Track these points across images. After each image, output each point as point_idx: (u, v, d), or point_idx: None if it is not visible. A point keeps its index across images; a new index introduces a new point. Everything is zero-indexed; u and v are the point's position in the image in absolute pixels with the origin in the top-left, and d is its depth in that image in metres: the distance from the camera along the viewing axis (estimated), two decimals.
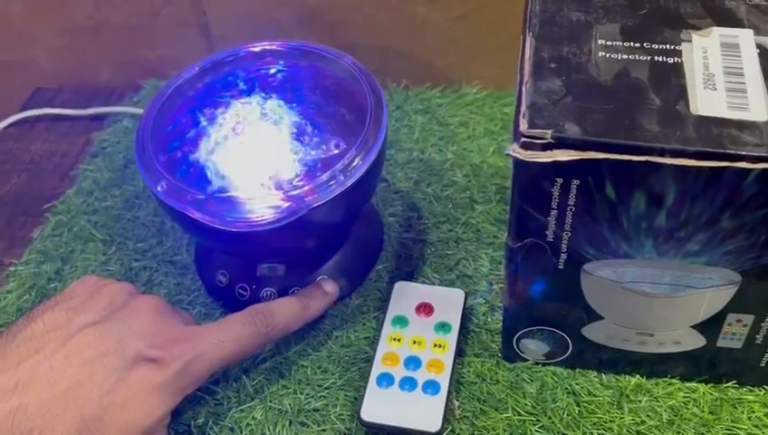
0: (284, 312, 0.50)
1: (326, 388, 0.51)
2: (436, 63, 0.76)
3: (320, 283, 0.54)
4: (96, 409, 0.40)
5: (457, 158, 0.68)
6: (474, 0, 0.71)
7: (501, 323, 0.53)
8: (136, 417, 0.41)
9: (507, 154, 0.39)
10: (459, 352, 0.52)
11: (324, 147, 0.51)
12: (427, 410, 0.48)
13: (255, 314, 0.48)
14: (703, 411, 0.49)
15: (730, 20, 0.44)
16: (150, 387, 0.42)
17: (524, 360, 0.52)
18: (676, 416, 0.48)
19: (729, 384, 0.50)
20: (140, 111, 0.75)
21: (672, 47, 0.42)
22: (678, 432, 0.48)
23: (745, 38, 0.42)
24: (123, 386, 0.41)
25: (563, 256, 0.43)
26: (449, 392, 0.49)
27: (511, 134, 0.70)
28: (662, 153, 0.37)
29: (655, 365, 0.49)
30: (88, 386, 0.41)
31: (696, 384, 0.50)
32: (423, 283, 0.57)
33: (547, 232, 0.42)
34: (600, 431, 0.48)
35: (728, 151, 0.36)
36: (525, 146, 0.38)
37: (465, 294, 0.54)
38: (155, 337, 0.43)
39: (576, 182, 0.39)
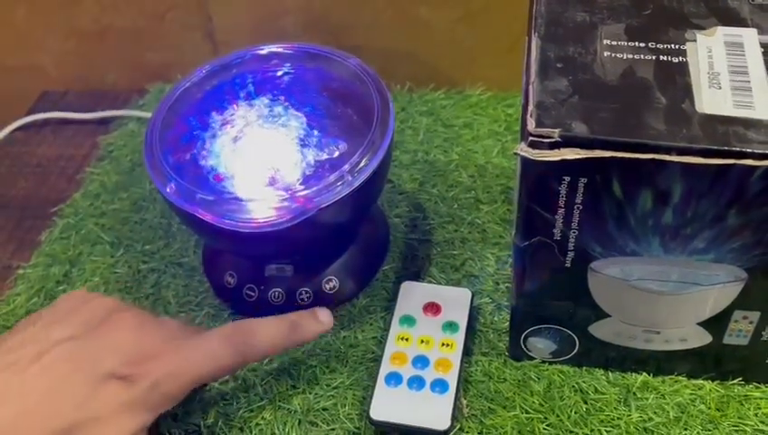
0: (268, 332, 0.47)
1: (335, 387, 0.52)
2: (439, 65, 0.76)
3: (314, 310, 0.49)
4: (64, 424, 0.40)
5: (462, 158, 0.68)
6: (477, 2, 0.71)
7: (508, 322, 0.53)
8: (105, 434, 0.41)
9: (515, 153, 0.40)
10: (467, 351, 0.52)
11: (331, 148, 0.51)
12: (436, 409, 0.48)
13: (235, 332, 0.46)
14: (709, 408, 0.49)
15: (734, 19, 0.44)
16: (119, 404, 0.41)
17: (531, 358, 0.52)
18: (682, 413, 0.49)
19: (735, 381, 0.50)
20: (146, 114, 0.76)
21: (677, 47, 0.43)
22: (685, 429, 0.48)
23: (749, 37, 0.43)
24: (93, 403, 0.41)
25: (570, 255, 0.43)
26: (457, 391, 0.49)
27: (515, 135, 0.70)
28: (669, 151, 0.37)
29: (661, 362, 0.50)
30: (58, 401, 0.40)
31: (702, 381, 0.50)
32: (429, 283, 0.58)
33: (554, 230, 0.42)
34: (607, 429, 0.48)
35: (734, 149, 0.37)
36: (533, 145, 0.39)
37: (472, 293, 0.55)
38: (129, 354, 0.43)
39: (583, 180, 0.39)
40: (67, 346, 0.42)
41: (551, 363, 0.52)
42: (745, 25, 0.44)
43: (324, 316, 0.49)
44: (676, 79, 0.41)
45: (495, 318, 0.55)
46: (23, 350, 0.42)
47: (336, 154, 0.51)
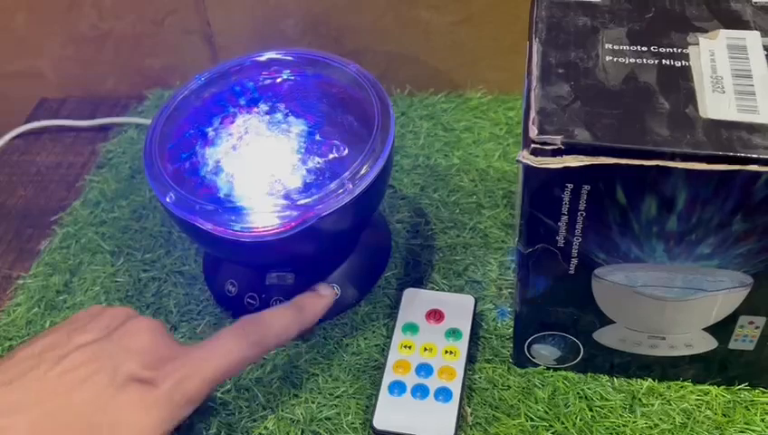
0: (277, 320, 0.48)
1: (337, 396, 0.51)
2: (440, 68, 0.76)
3: (314, 287, 0.52)
4: (86, 428, 0.40)
5: (463, 163, 0.68)
6: (477, 4, 0.71)
7: (512, 329, 0.53)
8: None
9: (517, 161, 0.39)
10: (470, 359, 0.52)
11: (332, 156, 0.51)
12: (440, 418, 0.48)
13: (245, 325, 0.47)
14: (716, 414, 0.48)
15: (736, 22, 0.44)
16: (141, 407, 0.41)
17: (536, 365, 0.52)
18: (688, 419, 0.48)
19: (741, 386, 0.49)
20: (145, 121, 0.75)
21: (679, 50, 0.42)
22: None
23: (753, 40, 0.42)
24: (114, 406, 0.41)
25: (574, 262, 0.43)
26: (461, 399, 0.49)
27: (517, 138, 0.70)
28: (672, 157, 0.37)
29: (667, 368, 0.49)
30: (78, 405, 0.40)
31: (708, 387, 0.50)
32: (432, 289, 0.57)
33: (558, 237, 0.42)
34: None
35: (739, 154, 0.36)
36: (535, 152, 0.38)
37: (475, 299, 0.54)
38: (148, 357, 0.43)
39: (587, 187, 0.39)
40: (86, 350, 0.42)
41: (555, 370, 0.51)
42: (748, 28, 0.43)
43: (325, 290, 0.52)
44: (680, 83, 0.40)
45: (499, 324, 0.55)
46: (43, 355, 0.42)
47: (337, 162, 0.50)
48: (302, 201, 0.47)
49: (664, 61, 0.42)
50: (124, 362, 0.42)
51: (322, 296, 0.52)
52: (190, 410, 0.43)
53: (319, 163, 0.51)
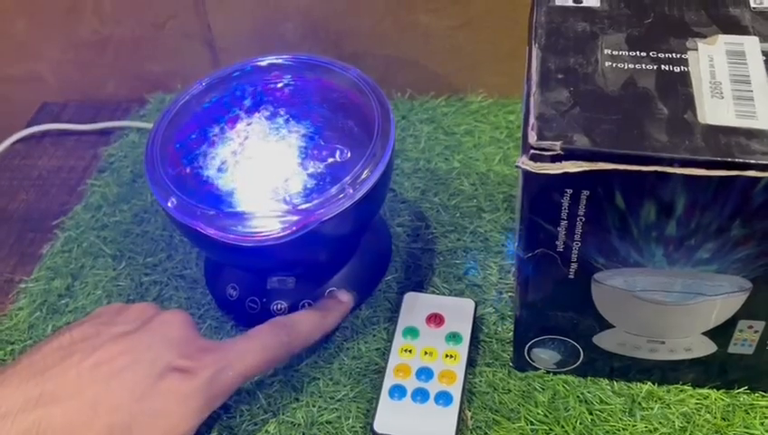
0: (305, 323, 0.51)
1: (338, 400, 0.52)
2: (440, 72, 0.76)
3: (334, 293, 0.55)
4: (125, 417, 0.40)
5: (464, 166, 0.68)
6: (476, 8, 0.71)
7: (512, 333, 0.53)
8: (165, 427, 0.41)
9: (517, 166, 0.39)
10: (471, 363, 0.52)
11: (332, 160, 0.51)
12: (440, 422, 0.48)
13: (278, 325, 0.49)
14: (715, 417, 0.49)
15: (735, 27, 0.44)
16: (180, 397, 0.42)
17: (536, 369, 0.52)
18: (688, 423, 0.49)
19: (741, 390, 0.50)
20: (146, 125, 0.76)
21: (678, 56, 0.42)
22: None
23: (751, 45, 0.43)
24: (153, 395, 0.41)
25: (574, 266, 0.43)
26: (461, 403, 0.49)
27: (517, 142, 0.70)
28: (671, 163, 0.37)
29: (666, 372, 0.49)
30: (117, 394, 0.40)
31: (707, 390, 0.50)
32: (432, 293, 0.58)
33: (557, 242, 0.42)
34: None
35: (737, 160, 0.36)
36: (534, 158, 0.38)
37: (476, 303, 0.54)
38: (185, 347, 0.44)
39: (586, 193, 0.39)
40: (122, 340, 0.43)
41: (555, 374, 0.52)
42: (747, 33, 0.43)
43: (344, 296, 0.55)
44: (678, 89, 0.40)
45: (499, 328, 0.55)
46: (74, 346, 0.42)
47: (337, 166, 0.51)
48: (303, 206, 0.48)
49: (663, 66, 0.42)
50: (162, 352, 0.43)
51: (342, 302, 0.54)
52: (223, 401, 0.44)
53: (320, 168, 0.51)
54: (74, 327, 0.44)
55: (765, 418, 0.48)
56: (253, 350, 0.46)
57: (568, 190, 0.39)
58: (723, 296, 0.43)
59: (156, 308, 0.47)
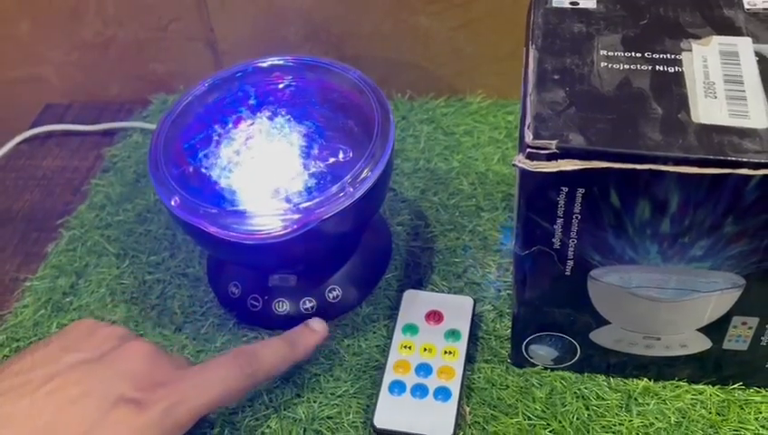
0: (270, 354, 0.48)
1: (339, 396, 0.52)
2: (439, 73, 0.77)
3: (307, 322, 0.52)
4: None
5: (463, 166, 0.69)
6: (476, 10, 0.72)
7: (509, 330, 0.53)
8: None
9: (513, 165, 0.40)
10: (469, 359, 0.53)
11: (333, 160, 0.52)
12: (439, 417, 0.49)
13: (240, 356, 0.47)
14: (710, 413, 0.49)
15: (729, 29, 0.45)
16: (131, 429, 0.41)
17: (533, 365, 0.52)
18: (683, 418, 0.49)
19: (736, 386, 0.50)
20: (150, 125, 0.76)
21: (673, 56, 0.43)
22: (686, 434, 0.48)
23: (744, 46, 0.43)
24: (104, 426, 0.40)
25: (570, 263, 0.44)
26: (460, 398, 0.50)
27: (516, 142, 0.71)
28: (665, 161, 0.38)
29: (662, 368, 0.50)
30: (66, 424, 0.40)
31: (703, 386, 0.51)
32: (431, 290, 0.58)
33: (554, 240, 0.43)
34: (609, 434, 0.49)
35: (730, 158, 0.37)
36: (531, 156, 0.39)
37: (474, 301, 0.55)
38: (140, 380, 0.43)
39: (581, 191, 0.40)
40: (79, 369, 0.42)
41: (552, 370, 0.52)
42: (740, 34, 0.44)
43: (318, 326, 0.52)
44: (672, 89, 0.41)
45: (497, 325, 0.56)
46: (32, 372, 0.42)
47: (338, 166, 0.51)
48: (304, 205, 0.48)
49: (657, 67, 0.42)
50: (116, 383, 0.42)
51: (315, 332, 0.51)
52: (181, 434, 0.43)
53: (320, 167, 0.52)
54: (37, 350, 0.44)
55: (760, 413, 0.49)
56: (211, 382, 0.44)
57: (564, 188, 0.40)
58: (717, 293, 0.44)
59: (124, 335, 0.46)
